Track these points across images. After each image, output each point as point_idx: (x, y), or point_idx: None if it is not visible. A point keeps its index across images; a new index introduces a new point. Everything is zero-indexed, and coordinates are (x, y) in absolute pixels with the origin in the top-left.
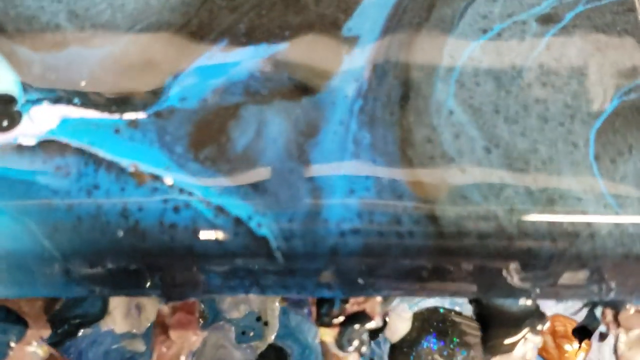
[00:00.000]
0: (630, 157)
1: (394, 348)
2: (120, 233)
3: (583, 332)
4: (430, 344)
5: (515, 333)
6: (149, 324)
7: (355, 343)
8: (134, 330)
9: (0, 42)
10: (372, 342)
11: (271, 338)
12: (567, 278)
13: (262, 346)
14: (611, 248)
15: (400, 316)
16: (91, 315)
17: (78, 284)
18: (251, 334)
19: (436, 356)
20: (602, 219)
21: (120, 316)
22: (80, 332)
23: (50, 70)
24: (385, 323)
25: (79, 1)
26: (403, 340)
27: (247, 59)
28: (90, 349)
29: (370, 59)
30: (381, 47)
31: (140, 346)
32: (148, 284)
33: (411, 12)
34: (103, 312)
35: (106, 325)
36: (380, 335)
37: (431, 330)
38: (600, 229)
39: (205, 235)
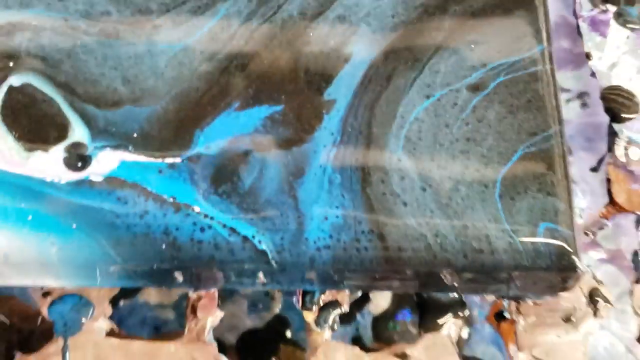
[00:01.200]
0: (525, 196)
1: (376, 319)
2: (164, 246)
3: (500, 316)
4: (404, 317)
5: (443, 316)
6: (177, 297)
7: (329, 322)
8: (165, 302)
9: (74, 101)
10: (357, 314)
11: (276, 310)
12: (478, 280)
13: (269, 316)
14: (506, 260)
15: (382, 294)
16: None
17: (132, 280)
18: (260, 306)
19: (409, 327)
20: (500, 241)
21: (155, 291)
22: (121, 303)
23: (110, 124)
24: (369, 299)
25: (130, 69)
26: (384, 313)
27: (254, 117)
28: (130, 317)
29: (344, 117)
30: (352, 108)
31: (170, 315)
32: (181, 280)
33: (375, 82)
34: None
35: (142, 297)
36: (365, 308)
37: (406, 306)
38: (498, 247)
39: (222, 248)
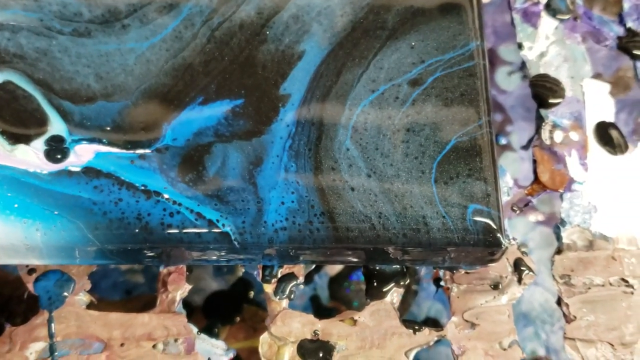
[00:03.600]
0: (457, 181)
1: (332, 280)
2: (137, 230)
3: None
4: (357, 277)
5: (388, 285)
6: None
7: (287, 293)
8: (135, 267)
9: (52, 97)
10: (315, 275)
11: (240, 273)
12: (418, 254)
13: (233, 279)
14: (440, 238)
15: None
16: None
17: (108, 258)
18: (225, 269)
19: (361, 285)
20: (435, 221)
21: None
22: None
23: (85, 118)
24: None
25: (102, 66)
26: (338, 274)
27: (216, 111)
28: (103, 281)
29: (298, 111)
30: (305, 102)
31: (140, 279)
32: (153, 258)
33: (326, 77)
34: None
35: None
36: (321, 271)
37: (357, 268)
38: (433, 227)
39: (190, 231)
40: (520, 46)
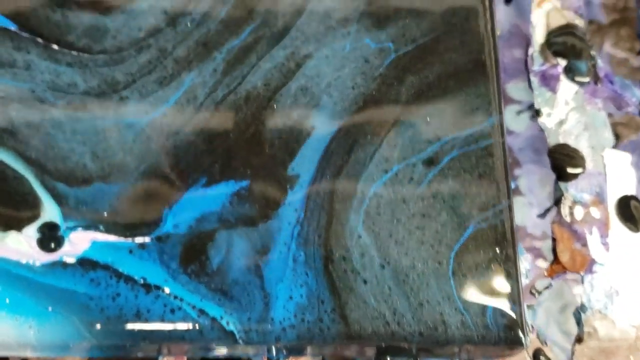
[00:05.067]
0: (476, 273)
1: None
2: (136, 328)
3: None
4: None
5: None
6: None
7: None
8: None
9: (45, 179)
10: None
11: None
12: (431, 350)
13: None
14: (458, 337)
15: None
16: None
17: (105, 352)
18: None
19: None
20: (453, 318)
21: None
22: None
23: (81, 203)
24: None
25: (98, 144)
26: None
27: (220, 193)
28: None
29: (307, 193)
30: (314, 184)
31: None
32: (152, 351)
33: (336, 155)
34: None
35: None
36: None
37: None
38: (452, 324)
39: (192, 329)
40: (538, 112)
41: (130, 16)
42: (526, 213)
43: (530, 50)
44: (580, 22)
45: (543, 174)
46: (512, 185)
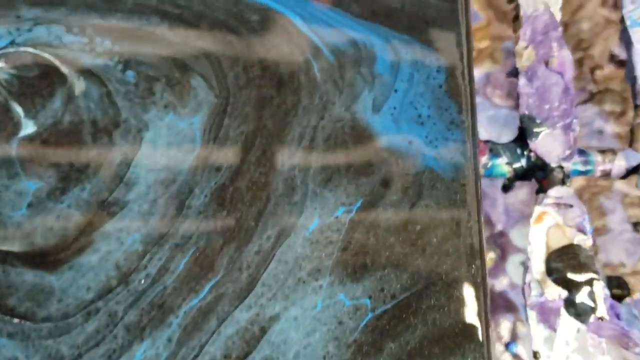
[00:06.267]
0: None
1: None
2: None
3: None
4: None
5: None
6: None
7: None
8: None
9: None
10: None
11: None
12: None
13: None
14: None
15: None
16: None
17: None
18: None
19: None
20: None
21: None
22: None
23: None
24: None
25: None
26: None
27: None
28: None
29: None
30: None
31: None
32: None
33: None
34: None
35: None
36: None
37: None
38: None
39: None
40: (536, 355)
41: (79, 273)
42: None
43: (528, 277)
44: (583, 241)
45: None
46: (515, 350)
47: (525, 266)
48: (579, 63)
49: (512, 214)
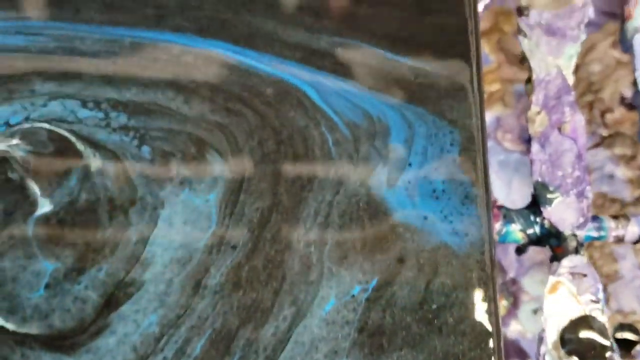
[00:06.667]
0: None
1: None
2: None
3: None
4: None
5: None
6: None
7: None
8: None
9: None
10: None
11: None
12: None
13: None
14: None
15: None
16: None
17: None
18: None
19: None
20: None
21: None
22: None
23: None
24: None
25: None
26: None
27: None
28: None
29: None
30: None
31: None
32: None
33: None
34: None
35: None
36: None
37: None
38: None
39: None
40: None
41: (96, 356)
42: None
43: (543, 349)
44: (598, 313)
45: None
46: None
47: (540, 337)
48: (590, 106)
49: (524, 262)
